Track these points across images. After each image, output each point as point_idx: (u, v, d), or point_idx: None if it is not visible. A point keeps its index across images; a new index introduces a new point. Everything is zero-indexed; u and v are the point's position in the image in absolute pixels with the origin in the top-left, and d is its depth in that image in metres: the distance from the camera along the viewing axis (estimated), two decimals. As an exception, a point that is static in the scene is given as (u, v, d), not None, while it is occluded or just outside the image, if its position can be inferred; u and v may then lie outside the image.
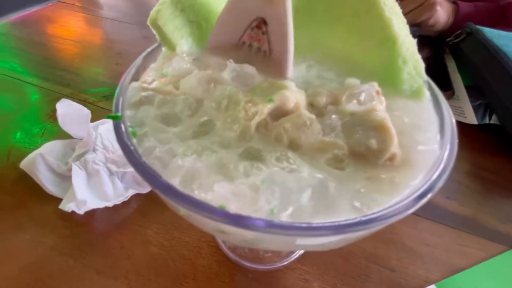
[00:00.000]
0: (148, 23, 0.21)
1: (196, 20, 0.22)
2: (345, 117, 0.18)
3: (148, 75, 0.21)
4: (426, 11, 0.56)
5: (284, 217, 0.14)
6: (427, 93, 0.20)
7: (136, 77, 0.21)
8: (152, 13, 0.21)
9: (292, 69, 0.21)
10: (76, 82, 0.54)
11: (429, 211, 0.35)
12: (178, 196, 0.14)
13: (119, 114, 0.18)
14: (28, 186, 0.36)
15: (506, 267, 0.32)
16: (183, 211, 0.15)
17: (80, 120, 0.37)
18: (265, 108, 0.17)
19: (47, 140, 0.39)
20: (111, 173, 0.35)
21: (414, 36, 0.21)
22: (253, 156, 0.17)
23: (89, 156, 0.35)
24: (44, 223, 0.33)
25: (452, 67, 0.56)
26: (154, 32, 0.22)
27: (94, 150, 0.36)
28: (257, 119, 0.17)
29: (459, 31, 0.54)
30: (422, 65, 0.21)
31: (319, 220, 0.14)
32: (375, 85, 0.19)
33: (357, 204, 0.15)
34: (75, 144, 0.37)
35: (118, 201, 0.34)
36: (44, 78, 0.55)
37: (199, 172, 0.15)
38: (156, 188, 0.15)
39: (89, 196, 0.33)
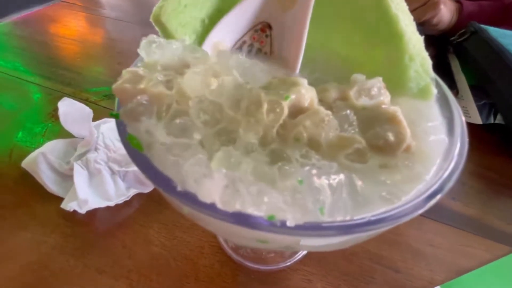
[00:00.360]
0: (151, 19, 0.21)
1: (200, 17, 0.22)
2: (357, 112, 0.17)
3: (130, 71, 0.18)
4: (429, 10, 0.55)
5: (331, 215, 0.14)
6: (434, 91, 0.20)
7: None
8: (155, 9, 0.21)
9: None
10: (78, 81, 0.54)
11: (434, 212, 0.35)
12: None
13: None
14: (29, 185, 0.36)
15: (511, 268, 0.31)
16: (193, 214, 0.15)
17: (82, 119, 0.37)
18: (286, 107, 0.16)
19: (49, 139, 0.39)
20: (113, 172, 0.35)
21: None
22: (281, 158, 0.16)
23: (91, 155, 0.35)
24: (46, 222, 0.33)
25: (456, 66, 0.55)
26: (157, 29, 0.22)
27: (96, 149, 0.36)
28: (280, 120, 0.16)
29: (463, 30, 0.54)
30: (429, 62, 0.20)
31: (360, 215, 0.14)
32: (380, 79, 0.19)
33: (385, 194, 0.15)
34: (77, 143, 0.37)
35: (120, 200, 0.34)
36: (46, 77, 0.55)
37: (239, 184, 0.14)
38: (171, 195, 0.14)
39: (90, 195, 0.33)
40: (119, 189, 0.35)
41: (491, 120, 0.45)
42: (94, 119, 0.38)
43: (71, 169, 0.34)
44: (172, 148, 0.16)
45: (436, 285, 0.30)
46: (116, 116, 0.18)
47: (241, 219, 0.13)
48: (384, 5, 0.20)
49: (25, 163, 0.36)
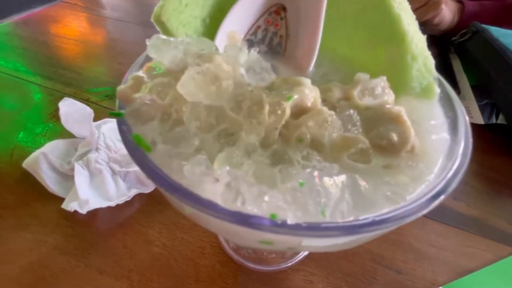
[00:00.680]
0: (152, 19, 0.21)
1: (201, 16, 0.22)
2: (361, 112, 0.17)
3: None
4: (431, 10, 0.55)
5: (333, 217, 0.14)
6: (437, 90, 0.20)
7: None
8: (156, 9, 0.21)
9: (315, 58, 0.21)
10: (79, 82, 0.54)
11: (436, 212, 0.35)
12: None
13: (122, 111, 0.18)
14: (30, 185, 0.35)
15: (514, 269, 0.31)
16: (188, 210, 0.15)
17: (82, 119, 0.37)
18: (288, 108, 0.16)
19: (50, 139, 0.39)
20: (113, 172, 0.35)
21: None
22: (282, 159, 0.16)
23: (92, 156, 0.35)
24: (47, 222, 0.33)
25: (457, 66, 0.55)
26: (158, 28, 0.22)
27: (97, 149, 0.36)
28: (282, 121, 0.16)
29: (464, 30, 0.54)
30: (432, 62, 0.20)
31: (364, 216, 0.14)
32: (384, 79, 0.18)
33: (390, 194, 0.15)
34: (78, 144, 0.37)
35: (121, 200, 0.34)
36: (47, 77, 0.55)
37: (240, 185, 0.14)
38: (173, 193, 0.14)
39: (91, 196, 0.33)
40: (120, 189, 0.34)
41: (493, 120, 0.45)
42: (95, 119, 0.38)
43: (72, 169, 0.34)
44: (173, 151, 0.16)
45: (439, 286, 0.30)
46: (115, 115, 0.17)
47: (242, 218, 0.13)
48: (386, 5, 0.20)
49: (26, 163, 0.36)
